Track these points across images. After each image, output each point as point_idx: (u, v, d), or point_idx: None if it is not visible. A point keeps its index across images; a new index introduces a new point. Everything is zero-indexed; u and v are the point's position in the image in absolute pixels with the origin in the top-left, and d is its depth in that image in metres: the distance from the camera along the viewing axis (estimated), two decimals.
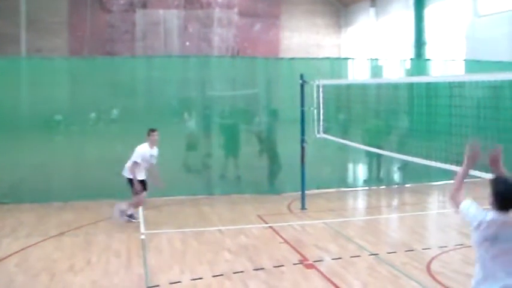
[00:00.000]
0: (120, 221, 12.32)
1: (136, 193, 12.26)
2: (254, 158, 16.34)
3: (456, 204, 5.02)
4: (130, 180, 12.20)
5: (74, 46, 34.84)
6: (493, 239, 4.68)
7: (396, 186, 17.23)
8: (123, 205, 12.50)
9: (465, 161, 5.14)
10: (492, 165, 5.13)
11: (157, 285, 8.51)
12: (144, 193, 12.52)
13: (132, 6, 36.64)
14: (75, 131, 15.24)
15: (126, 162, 12.35)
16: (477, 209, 4.86)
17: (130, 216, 12.56)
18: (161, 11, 37.04)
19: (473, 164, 5.16)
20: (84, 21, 35.31)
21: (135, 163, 12.13)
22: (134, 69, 15.98)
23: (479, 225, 4.74)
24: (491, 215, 4.73)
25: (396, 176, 17.73)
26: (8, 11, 32.73)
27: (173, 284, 8.57)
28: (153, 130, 12.46)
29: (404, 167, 17.41)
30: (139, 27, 36.77)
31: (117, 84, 15.84)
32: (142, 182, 12.41)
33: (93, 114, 15.99)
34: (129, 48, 35.80)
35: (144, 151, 12.29)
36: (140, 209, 13.78)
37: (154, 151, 12.50)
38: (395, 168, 17.69)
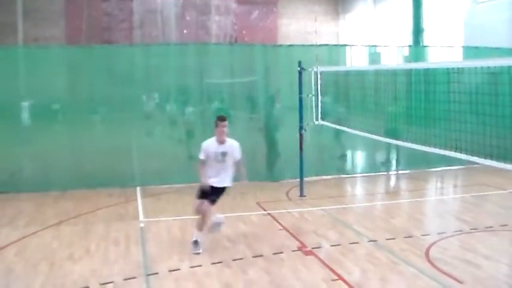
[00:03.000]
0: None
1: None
2: (252, 145, 16.35)
3: None
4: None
5: (71, 35, 34.63)
6: None
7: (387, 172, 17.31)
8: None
9: None
10: None
11: (157, 273, 8.53)
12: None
13: None
14: (73, 120, 15.19)
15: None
16: None
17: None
18: None
19: None
20: (81, 9, 35.07)
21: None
22: (132, 57, 15.91)
23: None
24: None
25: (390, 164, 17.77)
26: (4, 0, 32.55)
27: (172, 272, 8.59)
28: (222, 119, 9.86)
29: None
30: (136, 16, 36.56)
31: (115, 73, 15.80)
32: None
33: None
34: (127, 36, 35.60)
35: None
36: (139, 197, 13.85)
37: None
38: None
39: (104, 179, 14.78)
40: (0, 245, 10.15)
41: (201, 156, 9.83)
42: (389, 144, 15.72)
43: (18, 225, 11.53)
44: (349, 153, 17.95)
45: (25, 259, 9.34)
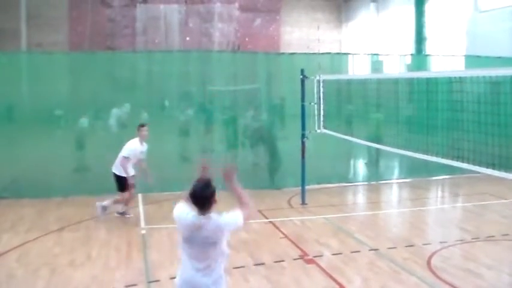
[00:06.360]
0: (102, 218, 12.27)
1: (126, 190, 12.26)
2: (254, 153, 16.38)
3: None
4: (119, 177, 12.21)
5: (74, 41, 34.73)
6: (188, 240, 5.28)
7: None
8: (105, 202, 12.33)
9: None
10: (226, 180, 5.64)
11: (158, 280, 8.54)
12: (133, 190, 12.52)
13: (133, 1, 36.47)
14: (76, 126, 15.21)
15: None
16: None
17: (123, 213, 12.65)
18: (162, 6, 36.93)
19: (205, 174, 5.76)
20: (84, 15, 35.21)
21: (126, 158, 12.08)
22: (135, 64, 15.96)
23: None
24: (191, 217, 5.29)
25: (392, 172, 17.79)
26: (8, 6, 32.63)
27: (174, 279, 8.51)
28: (142, 125, 12.40)
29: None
30: (139, 22, 36.67)
31: (118, 79, 15.82)
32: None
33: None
34: (130, 42, 35.71)
35: (135, 147, 12.21)
36: (140, 204, 13.84)
37: (144, 147, 12.38)
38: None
39: (106, 185, 14.72)
40: (2, 250, 10.16)
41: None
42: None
43: (20, 231, 11.52)
44: (351, 161, 17.92)
45: (26, 265, 9.34)
